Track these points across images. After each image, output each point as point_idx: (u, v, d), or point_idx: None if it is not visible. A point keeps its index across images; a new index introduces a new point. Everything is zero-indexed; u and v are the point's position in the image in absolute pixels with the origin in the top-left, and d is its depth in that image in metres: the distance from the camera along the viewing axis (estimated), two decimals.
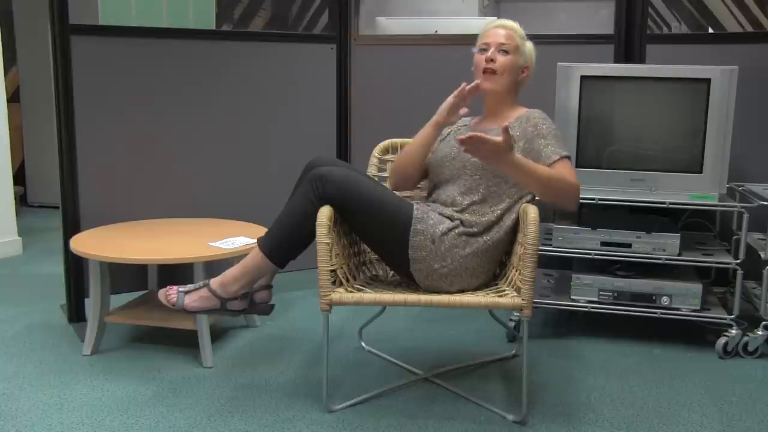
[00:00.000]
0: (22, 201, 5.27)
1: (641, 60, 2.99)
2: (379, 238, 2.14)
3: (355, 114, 3.43)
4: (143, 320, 2.55)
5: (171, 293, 2.12)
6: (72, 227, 2.81)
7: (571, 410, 2.16)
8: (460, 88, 2.22)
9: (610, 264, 2.73)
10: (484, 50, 2.24)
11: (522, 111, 2.26)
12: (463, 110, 2.23)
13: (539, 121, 2.18)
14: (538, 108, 2.26)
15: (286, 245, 2.08)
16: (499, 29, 2.24)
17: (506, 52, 2.22)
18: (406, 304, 2.02)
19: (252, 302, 2.17)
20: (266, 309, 2.21)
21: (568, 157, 2.13)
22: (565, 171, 2.08)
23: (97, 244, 2.46)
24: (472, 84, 2.22)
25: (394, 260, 2.16)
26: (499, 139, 1.87)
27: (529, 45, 2.28)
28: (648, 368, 2.47)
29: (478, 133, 1.86)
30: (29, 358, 2.51)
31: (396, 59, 3.33)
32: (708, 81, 2.53)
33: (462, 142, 1.87)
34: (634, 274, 2.67)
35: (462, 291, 2.13)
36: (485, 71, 2.22)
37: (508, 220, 2.16)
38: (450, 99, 2.24)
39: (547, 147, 2.13)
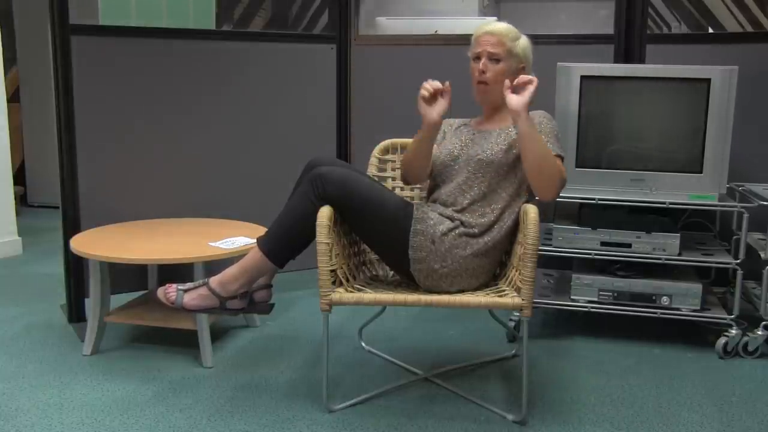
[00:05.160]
0: (22, 201, 5.27)
1: (641, 60, 2.99)
2: (379, 238, 2.14)
3: (355, 114, 3.42)
4: (143, 320, 2.55)
5: (170, 291, 2.12)
6: (72, 227, 2.80)
7: (571, 410, 2.16)
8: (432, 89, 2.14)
9: (610, 264, 2.72)
10: (476, 59, 2.23)
11: None
12: (446, 86, 2.14)
13: (543, 120, 2.20)
14: (537, 108, 2.26)
15: (286, 245, 2.08)
16: (488, 36, 2.20)
17: (497, 60, 2.20)
18: (406, 304, 2.02)
19: (251, 301, 2.17)
20: (266, 308, 2.21)
21: (562, 158, 2.16)
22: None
23: (97, 244, 2.46)
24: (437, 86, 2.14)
25: (394, 260, 2.16)
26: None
27: (522, 41, 2.24)
28: (648, 368, 2.47)
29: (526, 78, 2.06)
30: (29, 358, 2.51)
31: (396, 59, 3.33)
32: (708, 81, 2.53)
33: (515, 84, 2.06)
34: (634, 274, 2.67)
35: (462, 291, 2.13)
36: (478, 83, 2.22)
37: (507, 220, 2.16)
38: (422, 93, 2.14)
39: (545, 143, 2.14)
